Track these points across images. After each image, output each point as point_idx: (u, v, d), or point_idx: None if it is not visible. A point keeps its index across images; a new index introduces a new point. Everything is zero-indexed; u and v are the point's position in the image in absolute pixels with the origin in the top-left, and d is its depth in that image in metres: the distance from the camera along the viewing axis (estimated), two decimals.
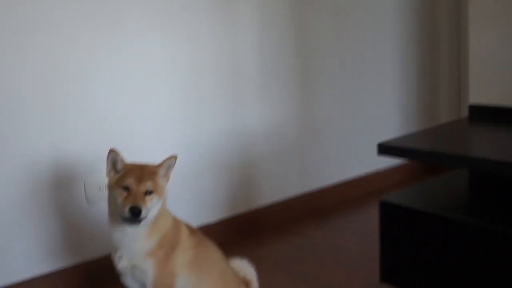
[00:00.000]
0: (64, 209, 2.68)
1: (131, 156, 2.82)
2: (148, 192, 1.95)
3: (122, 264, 2.02)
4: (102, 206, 2.78)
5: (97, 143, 2.73)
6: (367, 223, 3.38)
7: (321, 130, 3.56)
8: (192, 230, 2.15)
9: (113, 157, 2.02)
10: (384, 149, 2.15)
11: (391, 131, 3.92)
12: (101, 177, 2.76)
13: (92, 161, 2.74)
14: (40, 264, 2.64)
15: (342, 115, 3.66)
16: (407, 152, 2.10)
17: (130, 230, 1.97)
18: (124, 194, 1.95)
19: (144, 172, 1.98)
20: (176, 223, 2.10)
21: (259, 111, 3.27)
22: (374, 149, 3.81)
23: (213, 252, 2.19)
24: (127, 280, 2.05)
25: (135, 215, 1.90)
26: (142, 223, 1.95)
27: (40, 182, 2.60)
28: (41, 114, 2.55)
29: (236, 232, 3.22)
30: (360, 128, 3.77)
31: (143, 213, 1.91)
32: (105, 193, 2.76)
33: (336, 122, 3.63)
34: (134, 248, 1.99)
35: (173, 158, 2.04)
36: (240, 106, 3.19)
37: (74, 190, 2.70)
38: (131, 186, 1.95)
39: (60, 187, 2.66)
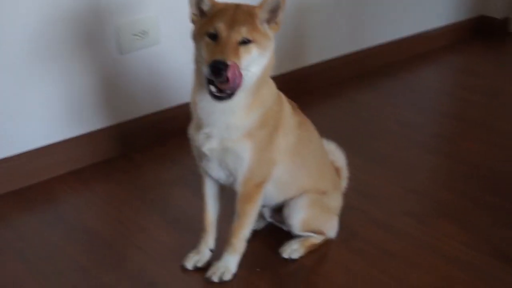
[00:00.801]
0: (91, 61, 2.15)
1: None
2: (244, 42, 1.41)
3: (209, 145, 1.53)
4: (138, 56, 2.25)
5: None
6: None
7: None
8: (293, 105, 1.67)
9: None
10: None
11: None
12: (138, 20, 2.20)
13: None
14: (64, 127, 2.17)
15: None
16: None
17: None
18: (211, 44, 1.42)
19: (239, 13, 1.43)
20: (279, 95, 1.61)
21: None
22: (424, 8, 3.30)
23: (314, 135, 1.74)
24: (211, 166, 1.58)
25: (218, 74, 1.36)
26: (236, 94, 1.42)
27: (63, 26, 2.04)
28: None
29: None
30: None
31: (232, 73, 1.36)
32: (144, 40, 2.23)
33: None
34: (229, 124, 1.50)
35: None
36: None
37: (104, 37, 2.15)
38: (220, 32, 1.41)
39: (87, 32, 2.11)
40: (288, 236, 1.80)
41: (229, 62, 1.36)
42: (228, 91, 1.40)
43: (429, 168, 2.27)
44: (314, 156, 1.74)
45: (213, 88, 1.41)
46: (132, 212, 1.98)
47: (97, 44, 2.14)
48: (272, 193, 1.67)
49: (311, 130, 1.73)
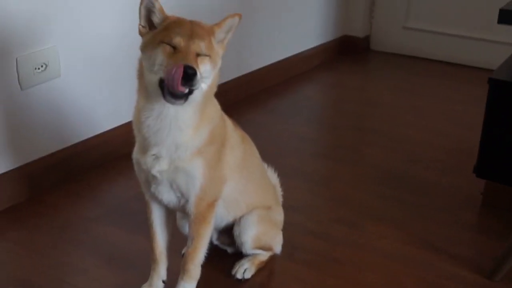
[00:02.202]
0: None
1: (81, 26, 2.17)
2: (201, 55, 1.39)
3: (159, 167, 1.47)
4: (40, 91, 2.12)
5: (36, 2, 2.02)
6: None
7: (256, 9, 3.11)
8: (232, 121, 1.67)
9: (147, 4, 1.42)
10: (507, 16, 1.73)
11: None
12: (39, 53, 2.08)
13: (27, 29, 2.03)
14: None
15: None
16: None
17: (174, 112, 1.42)
18: (170, 51, 1.37)
19: (197, 28, 1.41)
20: (221, 113, 1.59)
21: None
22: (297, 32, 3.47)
23: (256, 150, 1.75)
24: (161, 190, 1.52)
25: (188, 79, 1.32)
26: (191, 99, 1.39)
27: None
28: None
29: None
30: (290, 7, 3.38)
31: (196, 80, 1.33)
32: (44, 73, 2.10)
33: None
34: (177, 143, 1.45)
35: (237, 17, 1.46)
36: None
37: (2, 71, 2.00)
38: (179, 42, 1.37)
39: None
40: (234, 258, 1.79)
41: (196, 70, 1.33)
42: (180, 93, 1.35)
43: (341, 176, 2.37)
44: (259, 171, 1.75)
45: (171, 99, 1.36)
46: (63, 255, 1.84)
47: None
48: (222, 213, 1.65)
49: (253, 145, 1.74)
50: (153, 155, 1.46)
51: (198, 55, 1.38)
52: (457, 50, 3.62)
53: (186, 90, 1.35)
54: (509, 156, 1.83)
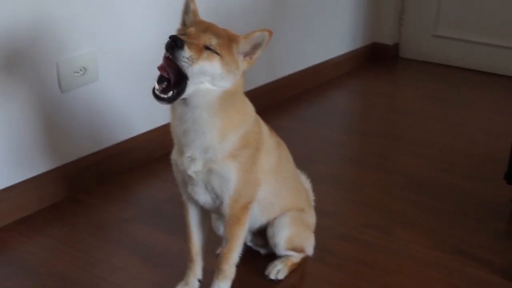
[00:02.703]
0: (30, 100, 2.04)
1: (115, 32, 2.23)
2: (210, 48, 1.39)
3: (194, 167, 1.51)
4: (79, 94, 2.18)
5: (76, 8, 2.09)
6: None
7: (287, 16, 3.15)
8: (268, 127, 1.70)
9: (186, 3, 1.48)
10: None
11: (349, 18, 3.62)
12: (78, 57, 2.14)
13: (68, 35, 2.10)
14: (5, 174, 2.02)
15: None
16: None
17: (191, 115, 1.44)
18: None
19: (216, 28, 1.45)
20: (256, 117, 1.62)
21: None
22: (326, 39, 3.50)
23: (289, 155, 1.79)
24: (197, 191, 1.57)
25: (171, 48, 1.32)
26: (180, 91, 1.38)
27: (3, 64, 1.93)
28: None
29: None
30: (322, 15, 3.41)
31: (184, 56, 1.32)
32: (83, 77, 2.17)
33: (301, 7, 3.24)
34: (206, 145, 1.48)
35: (266, 32, 1.46)
36: None
37: (43, 74, 2.07)
38: (190, 32, 1.40)
39: (26, 69, 2.01)
40: (267, 259, 1.83)
41: (186, 45, 1.33)
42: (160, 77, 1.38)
43: (370, 182, 2.40)
44: (292, 175, 1.79)
45: (156, 85, 1.39)
46: (101, 254, 1.90)
47: (39, 83, 2.05)
48: (256, 215, 1.69)
49: (287, 150, 1.78)
50: (189, 156, 1.51)
51: (207, 48, 1.39)
52: (487, 59, 3.62)
53: (168, 76, 1.37)
54: None
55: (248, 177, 1.57)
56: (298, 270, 1.82)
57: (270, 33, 1.47)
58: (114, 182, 2.31)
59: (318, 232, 1.92)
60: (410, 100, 3.37)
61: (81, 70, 2.16)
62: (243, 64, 1.48)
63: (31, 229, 2.01)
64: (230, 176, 1.53)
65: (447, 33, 3.75)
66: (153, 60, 2.37)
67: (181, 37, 1.37)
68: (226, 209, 1.58)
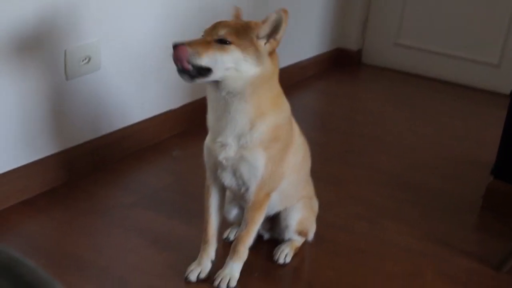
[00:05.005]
0: (37, 86, 2.08)
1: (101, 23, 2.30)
2: (222, 41, 1.51)
3: (225, 154, 1.62)
4: (82, 82, 2.24)
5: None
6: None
7: None
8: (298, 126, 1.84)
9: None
10: None
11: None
12: (85, 46, 2.20)
13: (77, 23, 2.16)
14: (10, 157, 2.06)
15: None
16: None
17: (224, 102, 1.56)
18: None
19: (225, 21, 1.57)
20: (290, 116, 1.74)
21: None
22: (298, 42, 3.67)
23: (309, 153, 1.92)
24: (225, 175, 1.68)
25: (175, 54, 1.49)
26: (204, 77, 1.51)
27: (14, 49, 1.97)
28: None
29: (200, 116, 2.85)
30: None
31: (181, 57, 1.49)
32: (88, 66, 2.23)
33: None
34: (238, 132, 1.59)
35: (282, 12, 1.54)
36: None
37: (51, 61, 2.12)
38: (205, 33, 1.56)
39: (35, 55, 2.06)
40: (269, 243, 1.96)
41: (180, 45, 1.49)
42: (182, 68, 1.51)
43: (352, 178, 2.57)
44: (308, 169, 1.93)
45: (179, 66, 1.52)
46: (109, 236, 1.97)
47: (46, 70, 2.10)
48: (276, 203, 1.83)
49: (308, 149, 1.91)
50: (219, 142, 1.62)
51: (220, 41, 1.51)
52: (444, 68, 3.89)
53: (190, 67, 1.50)
54: None
55: (275, 169, 1.68)
56: (299, 254, 1.96)
57: (285, 11, 1.55)
58: (110, 169, 2.37)
59: None
60: (373, 103, 3.58)
61: (86, 58, 2.22)
62: (267, 46, 1.56)
63: (34, 211, 2.05)
64: (259, 164, 1.63)
65: (408, 42, 3.99)
66: (150, 52, 2.48)
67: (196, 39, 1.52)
68: (251, 195, 1.68)
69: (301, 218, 1.88)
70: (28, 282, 0.54)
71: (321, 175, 2.53)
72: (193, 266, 1.80)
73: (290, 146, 1.73)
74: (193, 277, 1.77)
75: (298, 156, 1.80)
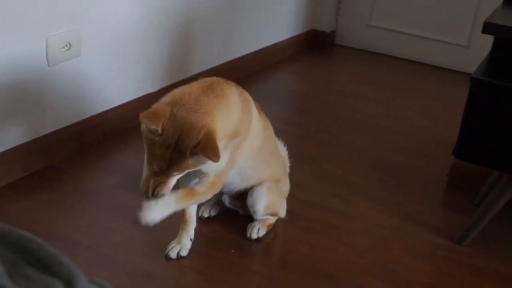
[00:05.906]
0: (19, 72, 2.15)
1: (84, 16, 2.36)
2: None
3: None
4: (63, 68, 2.30)
5: None
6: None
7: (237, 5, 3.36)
8: (257, 107, 1.88)
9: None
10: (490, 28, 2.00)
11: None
12: (66, 33, 2.26)
13: (58, 11, 2.21)
14: None
15: None
16: None
17: None
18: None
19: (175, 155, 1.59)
20: (245, 100, 1.79)
21: None
22: (273, 24, 3.75)
23: (271, 134, 2.01)
24: None
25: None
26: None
27: None
28: None
29: None
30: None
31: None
32: (68, 52, 2.29)
33: None
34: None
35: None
36: None
37: (33, 49, 2.18)
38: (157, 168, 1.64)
39: (15, 43, 2.12)
40: (244, 219, 2.07)
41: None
42: None
43: (328, 157, 2.68)
44: (272, 151, 2.02)
45: None
46: (94, 216, 2.06)
47: (28, 57, 2.16)
48: (236, 183, 1.93)
49: (271, 129, 2.00)
50: None
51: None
52: (416, 49, 4.00)
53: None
54: (486, 141, 2.13)
55: (232, 160, 1.76)
56: (272, 230, 2.07)
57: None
58: (92, 151, 2.45)
59: (287, 199, 2.17)
60: (347, 84, 3.68)
61: (66, 45, 2.28)
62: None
63: (18, 194, 2.12)
64: (221, 163, 1.66)
65: (381, 24, 4.09)
66: (128, 38, 2.55)
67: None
68: (207, 180, 1.74)
69: (267, 203, 1.98)
70: (39, 258, 0.63)
71: (296, 154, 2.64)
72: (173, 244, 1.90)
73: (247, 136, 1.77)
74: (173, 254, 1.88)
75: (254, 144, 1.84)
